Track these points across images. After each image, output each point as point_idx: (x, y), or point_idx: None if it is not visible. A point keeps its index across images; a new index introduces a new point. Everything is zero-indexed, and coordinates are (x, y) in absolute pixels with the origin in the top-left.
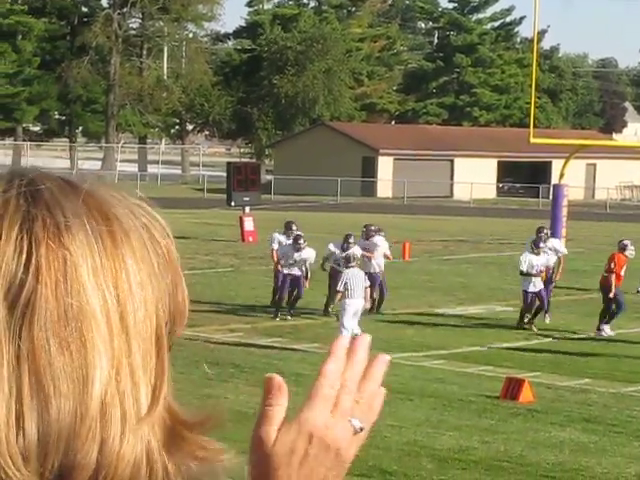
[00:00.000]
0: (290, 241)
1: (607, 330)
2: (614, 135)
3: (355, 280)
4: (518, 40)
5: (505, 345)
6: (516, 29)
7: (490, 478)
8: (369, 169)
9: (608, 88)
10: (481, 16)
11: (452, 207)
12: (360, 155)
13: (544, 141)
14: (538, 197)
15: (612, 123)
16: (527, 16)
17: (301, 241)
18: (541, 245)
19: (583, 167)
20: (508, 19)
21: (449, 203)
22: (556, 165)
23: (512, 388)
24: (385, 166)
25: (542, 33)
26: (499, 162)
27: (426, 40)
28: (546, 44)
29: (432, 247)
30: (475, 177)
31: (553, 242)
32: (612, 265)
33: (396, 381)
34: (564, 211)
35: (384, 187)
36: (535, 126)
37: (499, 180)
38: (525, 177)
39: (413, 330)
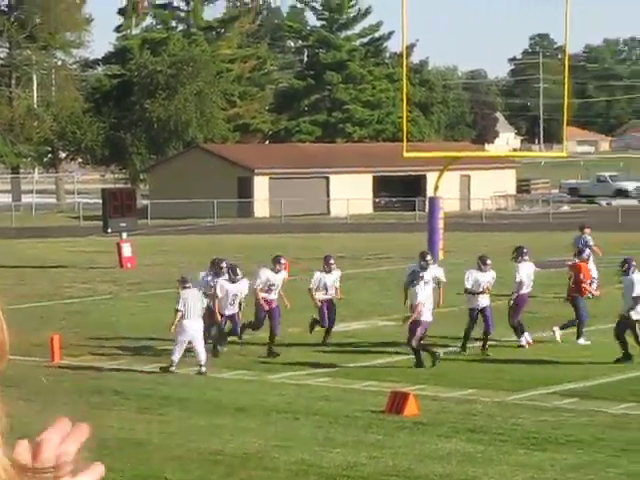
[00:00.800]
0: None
1: (582, 341)
2: (486, 146)
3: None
4: (387, 55)
5: (388, 360)
6: (385, 44)
7: None
8: (245, 189)
9: (478, 99)
10: (350, 33)
11: (329, 224)
12: (235, 176)
13: (418, 155)
14: (414, 210)
15: (484, 134)
16: (395, 31)
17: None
18: (487, 263)
19: (457, 179)
20: (377, 35)
21: (326, 220)
22: (431, 178)
23: (397, 402)
24: (261, 186)
25: (411, 47)
26: (374, 177)
27: (296, 59)
28: (415, 58)
29: (312, 265)
30: (351, 193)
31: (435, 270)
32: (581, 276)
33: (281, 401)
34: (440, 223)
35: (261, 207)
36: (408, 140)
37: (375, 195)
38: (401, 191)
39: (296, 349)
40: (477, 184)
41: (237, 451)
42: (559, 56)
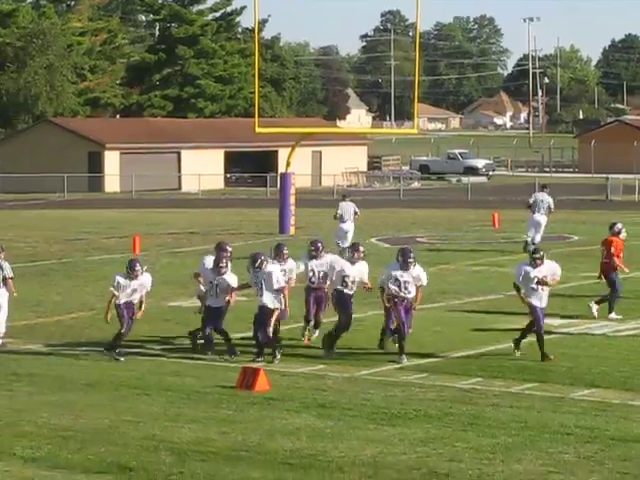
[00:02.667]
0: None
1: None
2: (338, 122)
3: None
4: (240, 30)
5: (240, 335)
6: (237, 19)
7: (229, 468)
8: (95, 164)
9: (330, 76)
10: (202, 7)
11: (181, 199)
12: (86, 150)
13: (269, 130)
14: (266, 186)
15: (336, 110)
16: (247, 6)
17: None
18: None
19: (309, 155)
20: (229, 9)
21: (178, 195)
22: (282, 154)
23: (248, 378)
24: (111, 160)
25: (263, 23)
26: (226, 152)
27: (148, 33)
28: (267, 34)
29: (162, 240)
30: (202, 168)
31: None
32: (612, 250)
33: (132, 376)
34: (292, 199)
35: (112, 182)
36: (260, 116)
37: (227, 171)
38: (252, 167)
39: (148, 325)
40: (328, 160)
41: (87, 427)
42: (410, 33)
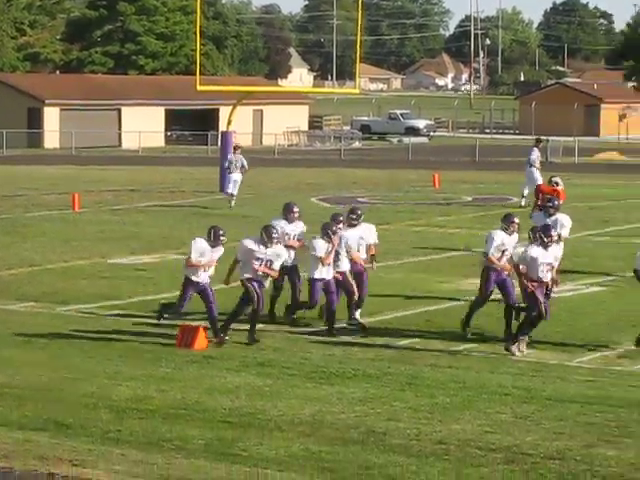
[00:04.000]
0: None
1: None
2: (280, 81)
3: None
4: None
5: (178, 294)
6: None
7: (168, 426)
8: (35, 120)
9: (272, 34)
10: None
11: (121, 157)
12: (25, 106)
13: (211, 88)
14: (207, 144)
15: (277, 69)
16: None
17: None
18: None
19: (250, 113)
20: None
21: (118, 153)
22: (224, 112)
23: (187, 336)
24: (51, 117)
25: None
26: (167, 110)
27: None
28: None
29: (102, 197)
30: (143, 126)
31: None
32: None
33: (71, 334)
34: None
35: (51, 138)
36: (201, 73)
37: (167, 128)
38: (193, 125)
39: (86, 281)
40: (270, 119)
41: (25, 383)
42: None
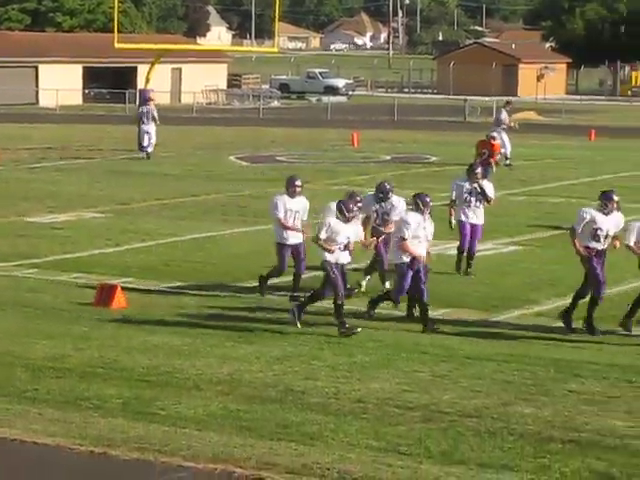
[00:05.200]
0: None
1: None
2: (198, 39)
3: None
4: None
5: (95, 252)
6: None
7: (85, 384)
8: None
9: None
10: None
11: (38, 114)
12: None
13: (129, 46)
14: (125, 103)
15: (196, 27)
16: None
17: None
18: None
19: (169, 72)
20: None
21: (35, 110)
22: (142, 70)
23: (104, 294)
24: None
25: None
26: (84, 68)
27: None
28: None
29: (19, 155)
30: (60, 83)
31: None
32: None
33: None
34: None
35: None
36: (119, 31)
37: (85, 86)
38: (111, 83)
39: (3, 240)
40: (188, 78)
41: None
42: None
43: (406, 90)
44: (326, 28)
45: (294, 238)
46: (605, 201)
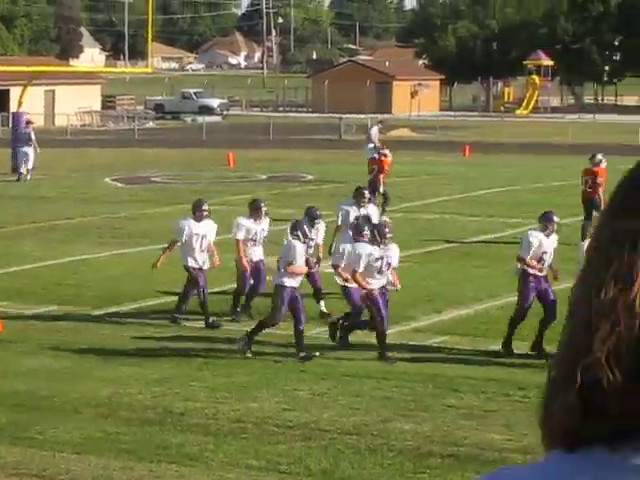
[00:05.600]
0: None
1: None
2: (71, 61)
3: None
4: None
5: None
6: None
7: None
8: None
9: (63, 14)
10: None
11: None
12: None
13: (1, 68)
14: None
15: (69, 49)
16: None
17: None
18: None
19: (42, 94)
20: None
21: None
22: (14, 93)
23: None
24: None
25: None
26: None
27: None
28: None
29: None
30: None
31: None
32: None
33: None
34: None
35: None
36: None
37: None
38: None
39: None
40: (62, 100)
41: None
42: None
43: (281, 109)
44: (200, 48)
45: (205, 262)
46: (546, 223)
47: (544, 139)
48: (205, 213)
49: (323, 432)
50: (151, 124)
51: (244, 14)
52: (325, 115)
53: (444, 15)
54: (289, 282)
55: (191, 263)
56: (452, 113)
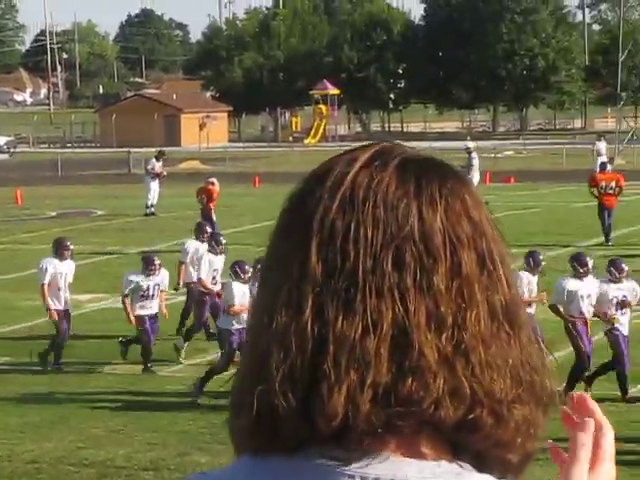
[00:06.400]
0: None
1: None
2: None
3: None
4: None
5: None
6: None
7: None
8: None
9: None
10: None
11: None
12: None
13: None
14: None
15: None
16: None
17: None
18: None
19: None
20: None
21: None
22: None
23: None
24: None
25: None
26: None
27: None
28: None
29: None
30: None
31: None
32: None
33: None
34: None
35: None
36: None
37: None
38: None
39: None
40: None
41: None
42: None
43: (69, 145)
44: None
45: (63, 303)
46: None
47: None
48: (67, 252)
49: (119, 469)
50: None
51: (28, 50)
52: (113, 150)
53: (229, 47)
54: (235, 325)
55: (54, 305)
56: (241, 144)
